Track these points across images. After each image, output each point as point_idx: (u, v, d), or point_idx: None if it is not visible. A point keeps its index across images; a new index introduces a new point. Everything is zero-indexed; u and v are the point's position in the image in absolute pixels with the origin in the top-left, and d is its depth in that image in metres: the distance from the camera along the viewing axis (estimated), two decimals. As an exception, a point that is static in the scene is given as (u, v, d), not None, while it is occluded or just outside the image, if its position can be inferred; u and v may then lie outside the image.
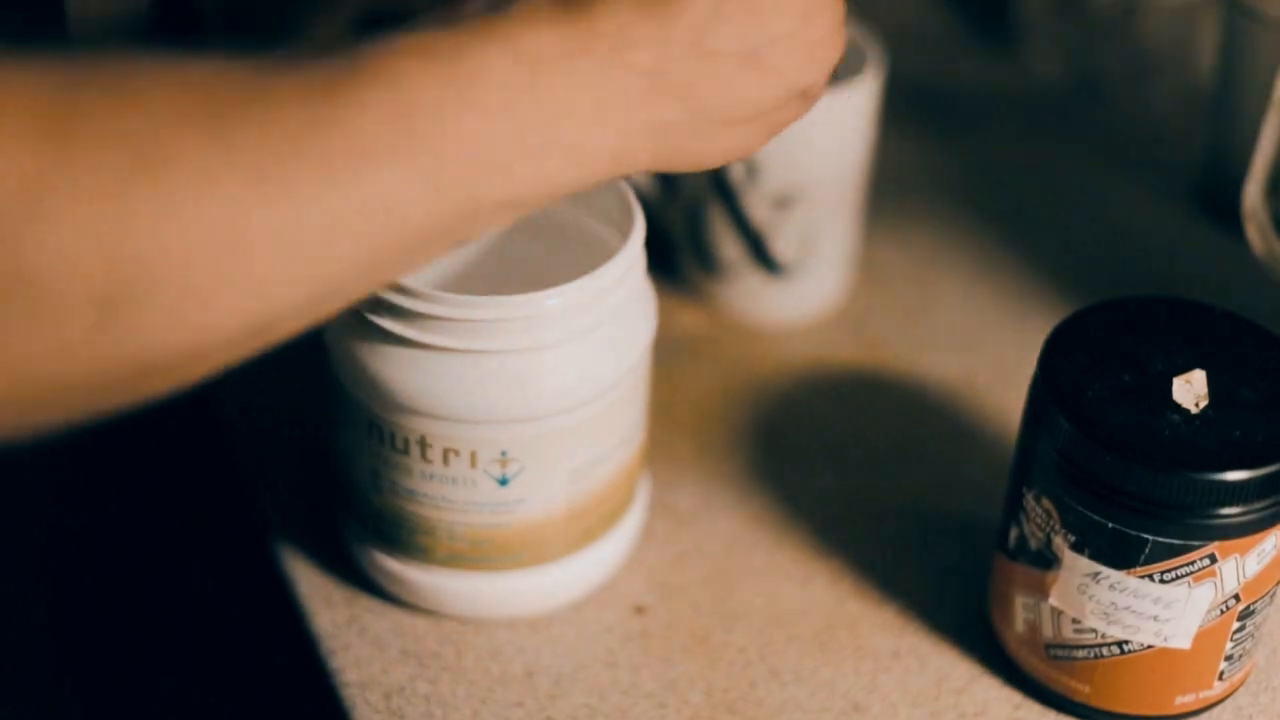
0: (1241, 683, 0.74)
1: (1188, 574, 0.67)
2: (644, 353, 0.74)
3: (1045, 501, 0.68)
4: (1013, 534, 0.71)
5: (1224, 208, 0.93)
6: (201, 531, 0.97)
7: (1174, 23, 1.08)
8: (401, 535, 0.74)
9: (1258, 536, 0.67)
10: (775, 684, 0.74)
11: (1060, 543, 0.69)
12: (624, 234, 0.72)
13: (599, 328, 0.71)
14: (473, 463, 0.71)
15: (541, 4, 0.59)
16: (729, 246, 0.92)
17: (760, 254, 0.92)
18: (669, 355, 0.88)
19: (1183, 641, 0.69)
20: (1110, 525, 0.66)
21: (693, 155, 0.64)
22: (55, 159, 0.47)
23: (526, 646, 0.76)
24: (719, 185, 0.90)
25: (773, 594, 0.79)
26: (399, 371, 0.70)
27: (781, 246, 0.92)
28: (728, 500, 0.83)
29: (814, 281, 0.94)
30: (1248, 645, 0.71)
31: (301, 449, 0.85)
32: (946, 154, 1.06)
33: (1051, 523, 0.69)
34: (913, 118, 1.07)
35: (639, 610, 0.78)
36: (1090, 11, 1.08)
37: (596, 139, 0.59)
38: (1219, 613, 0.69)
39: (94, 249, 0.47)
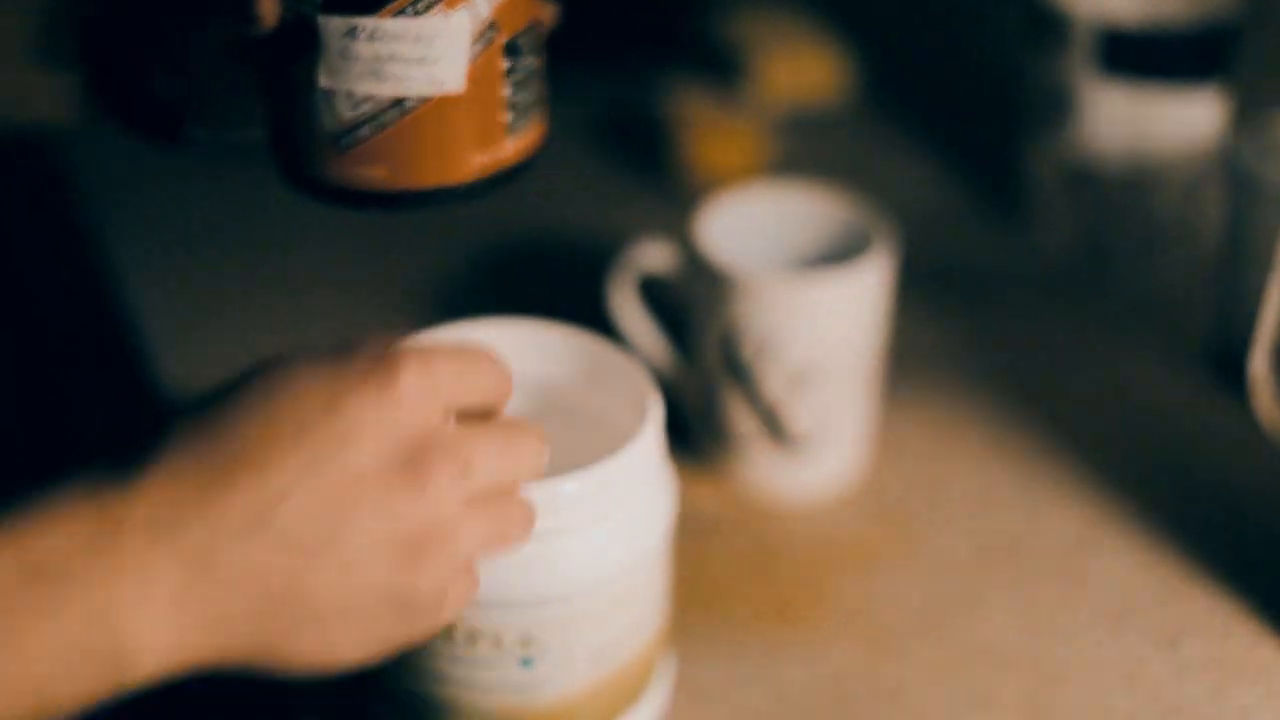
0: (533, 147, 0.72)
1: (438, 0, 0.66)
2: (665, 533, 0.75)
3: None
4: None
5: (1234, 374, 0.94)
6: (221, 703, 0.97)
7: (1182, 195, 1.09)
8: (427, 717, 0.75)
9: None
10: None
11: (311, 14, 0.67)
12: (642, 415, 0.73)
13: (618, 511, 0.71)
14: (496, 645, 0.71)
15: (71, 492, 0.54)
16: (743, 422, 0.93)
17: (774, 430, 0.93)
18: (687, 530, 0.89)
19: (455, 83, 0.67)
20: None
21: (286, 656, 0.57)
22: None
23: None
24: (730, 362, 0.92)
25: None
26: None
27: (796, 422, 0.93)
28: (750, 675, 0.83)
29: (831, 457, 0.95)
30: (527, 97, 0.70)
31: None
32: (959, 325, 1.07)
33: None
34: (924, 290, 1.08)
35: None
36: (1099, 186, 1.10)
37: (141, 638, 0.53)
38: (483, 46, 0.67)
39: None
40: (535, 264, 0.97)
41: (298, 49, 0.69)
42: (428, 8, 0.66)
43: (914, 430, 0.99)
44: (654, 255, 0.95)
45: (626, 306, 0.96)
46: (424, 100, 0.68)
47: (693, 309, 0.94)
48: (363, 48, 0.66)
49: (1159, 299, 1.10)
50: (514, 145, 0.71)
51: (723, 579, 0.89)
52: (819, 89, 1.29)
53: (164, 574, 0.54)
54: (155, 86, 0.85)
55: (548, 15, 0.72)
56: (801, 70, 1.28)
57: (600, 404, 0.79)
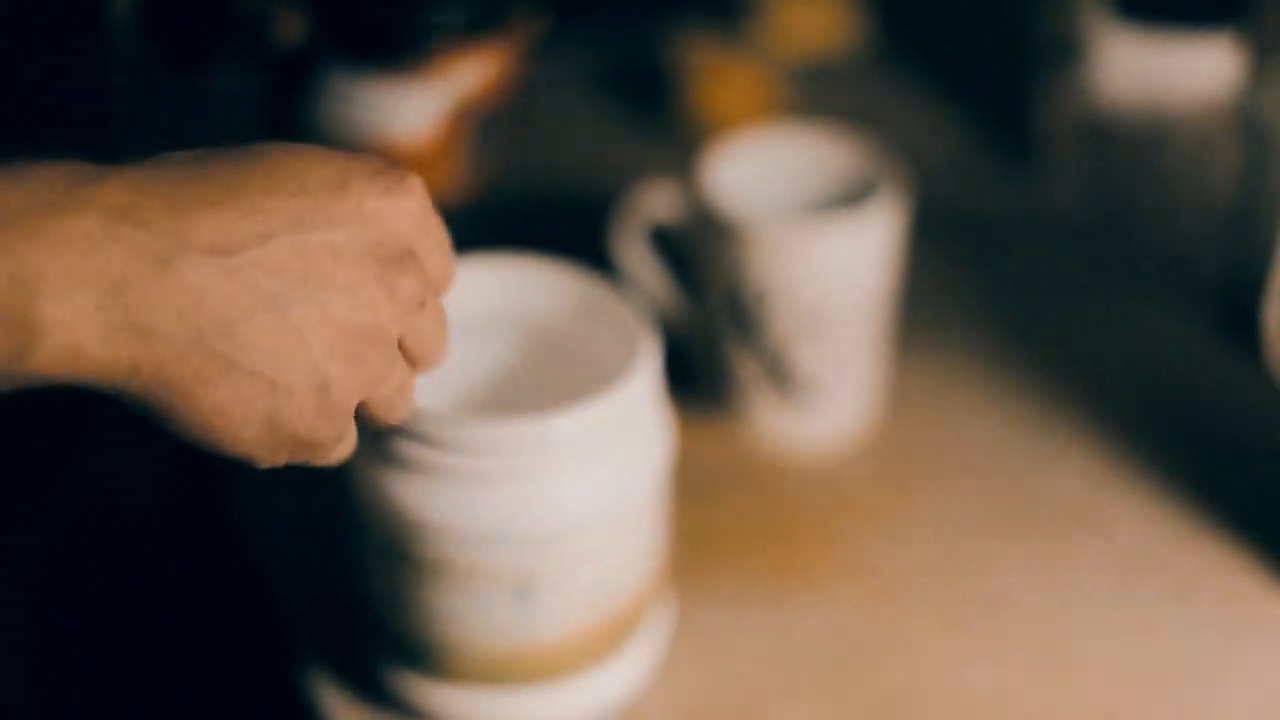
0: (483, 189, 0.87)
1: None
2: (661, 470, 0.75)
3: None
4: None
5: (1245, 328, 0.94)
6: (220, 648, 0.97)
7: (1194, 147, 1.09)
8: (423, 654, 0.75)
9: None
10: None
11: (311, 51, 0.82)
12: (636, 356, 0.73)
13: (614, 448, 0.71)
14: (492, 583, 0.71)
15: (51, 164, 0.52)
16: (748, 370, 0.93)
17: (779, 378, 0.92)
18: (692, 480, 0.88)
19: (421, 139, 0.81)
20: None
21: (192, 404, 0.54)
22: None
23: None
24: (735, 308, 0.91)
25: (803, 718, 0.78)
26: (415, 493, 0.70)
27: (801, 371, 0.92)
28: (753, 627, 0.83)
29: (838, 407, 0.94)
30: (484, 155, 0.84)
31: (323, 570, 0.85)
32: (969, 276, 1.07)
33: None
34: (934, 238, 1.07)
35: (664, 735, 0.78)
36: (1112, 137, 1.09)
37: (61, 314, 0.51)
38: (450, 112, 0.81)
39: None
40: (540, 209, 0.97)
41: (298, 77, 0.78)
42: (407, 78, 0.77)
43: (923, 380, 0.99)
44: (660, 200, 0.94)
45: (631, 252, 0.95)
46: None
47: (698, 255, 0.93)
48: (345, 96, 0.76)
49: (1171, 248, 1.09)
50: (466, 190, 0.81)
51: (728, 530, 0.89)
52: (830, 36, 1.28)
53: (112, 260, 0.51)
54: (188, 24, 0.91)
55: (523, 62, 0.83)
56: (813, 16, 1.27)
57: (596, 342, 0.78)
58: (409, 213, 0.59)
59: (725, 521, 0.89)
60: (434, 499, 0.70)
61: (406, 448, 0.70)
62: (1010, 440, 0.95)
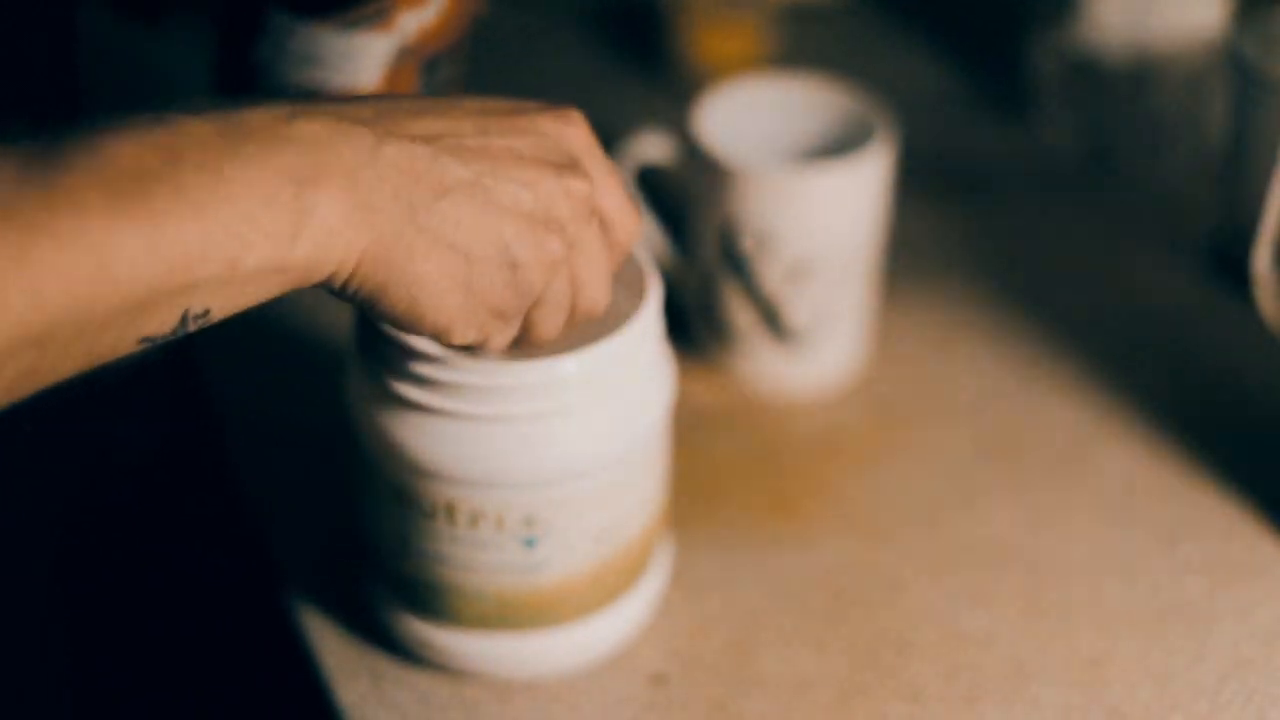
0: None
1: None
2: (663, 415, 0.75)
3: None
4: None
5: (1237, 271, 0.94)
6: (222, 594, 0.98)
7: (1185, 90, 1.09)
8: (429, 599, 0.75)
9: None
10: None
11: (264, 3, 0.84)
12: (641, 300, 0.73)
13: (618, 392, 0.72)
14: (499, 526, 0.72)
15: (263, 99, 0.60)
16: (742, 315, 0.93)
17: (772, 323, 0.92)
18: (685, 425, 0.88)
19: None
20: None
21: (410, 279, 0.62)
22: None
23: (548, 715, 0.76)
24: (729, 254, 0.91)
25: (791, 661, 0.79)
26: (423, 439, 0.71)
27: (794, 316, 0.92)
28: (746, 569, 0.83)
29: (829, 351, 0.94)
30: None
31: (325, 514, 0.85)
32: (960, 220, 1.07)
33: None
34: (925, 184, 1.08)
35: (659, 678, 0.78)
36: (1102, 80, 1.09)
37: (319, 209, 0.58)
38: (400, 62, 0.82)
39: None
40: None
41: (250, 28, 0.83)
42: (355, 27, 0.80)
43: (914, 326, 0.99)
44: (652, 146, 0.94)
45: (624, 197, 0.95)
46: None
47: (691, 201, 0.93)
48: (296, 45, 0.81)
49: (1162, 194, 1.09)
50: None
51: (721, 473, 0.89)
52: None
53: (342, 153, 0.59)
54: None
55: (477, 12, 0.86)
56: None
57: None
58: (577, 135, 0.67)
59: (718, 465, 0.89)
60: (440, 443, 0.70)
61: (413, 392, 0.70)
62: (1000, 384, 0.95)
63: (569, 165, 0.66)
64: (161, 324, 0.56)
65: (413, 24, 0.84)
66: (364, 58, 0.82)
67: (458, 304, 0.63)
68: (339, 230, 0.59)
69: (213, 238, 0.55)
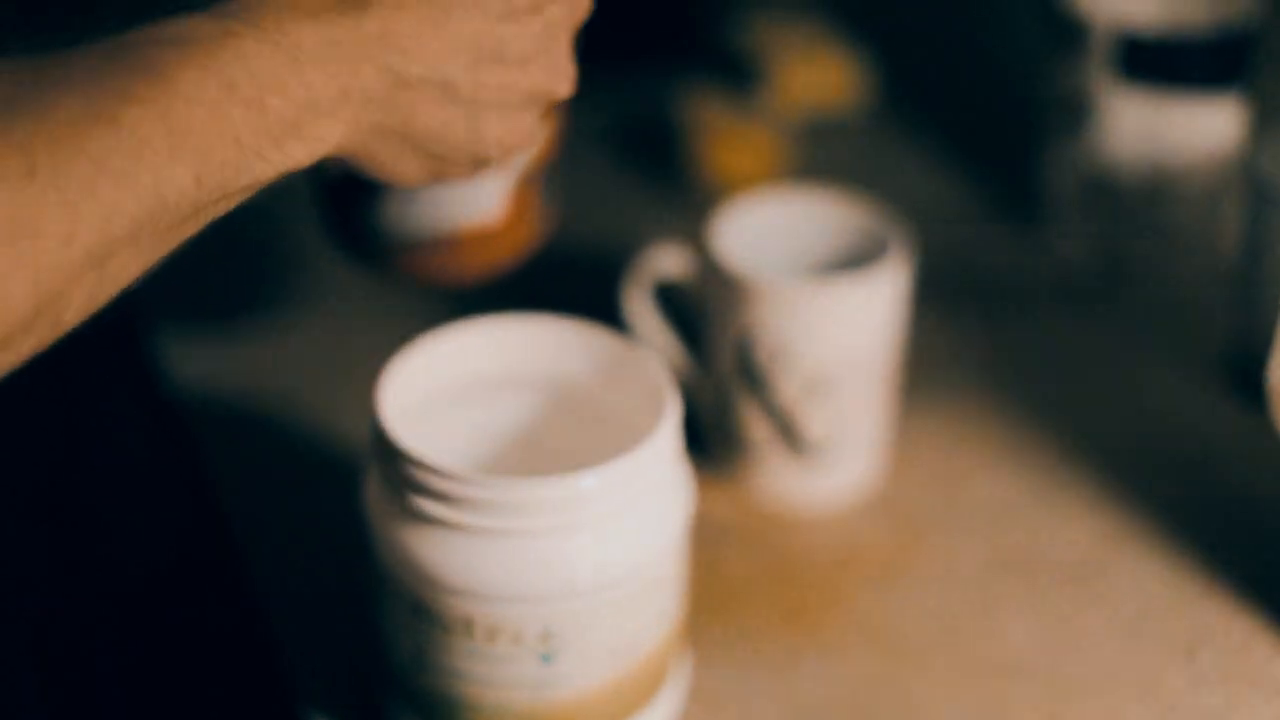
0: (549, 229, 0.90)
1: None
2: (681, 529, 0.75)
3: None
4: None
5: (1253, 385, 0.94)
6: (237, 708, 0.97)
7: (1200, 204, 1.09)
8: (445, 713, 0.75)
9: None
10: None
11: None
12: (659, 412, 0.74)
13: (636, 507, 0.72)
14: (517, 641, 0.72)
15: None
16: (758, 429, 0.93)
17: (789, 436, 0.93)
18: (702, 537, 0.88)
19: (494, 217, 0.84)
20: None
21: (407, 133, 0.67)
22: None
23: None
24: (745, 367, 0.91)
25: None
26: (441, 553, 0.71)
27: (811, 429, 0.92)
28: (763, 683, 0.83)
29: (846, 465, 0.94)
30: (548, 200, 0.90)
31: (341, 627, 0.85)
32: (976, 333, 1.07)
33: None
34: (941, 296, 1.08)
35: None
36: (1117, 194, 1.10)
37: (313, 88, 0.62)
38: (517, 183, 0.85)
39: None
40: (551, 268, 0.97)
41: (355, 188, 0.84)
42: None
43: (930, 438, 0.99)
44: (670, 260, 0.95)
45: (642, 311, 0.96)
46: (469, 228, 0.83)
47: (708, 315, 0.94)
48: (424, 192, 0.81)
49: (1177, 308, 1.10)
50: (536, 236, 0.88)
51: (737, 586, 0.89)
52: (836, 95, 1.29)
53: (370, 82, 0.64)
54: None
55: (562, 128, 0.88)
56: (818, 76, 1.28)
57: (617, 400, 0.79)
58: None
59: (734, 578, 0.89)
60: (458, 558, 0.70)
61: (430, 506, 0.70)
62: (1017, 498, 0.95)
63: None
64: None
65: (524, 158, 0.84)
66: (485, 195, 0.83)
67: (472, 138, 0.69)
68: (333, 104, 0.63)
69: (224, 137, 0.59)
